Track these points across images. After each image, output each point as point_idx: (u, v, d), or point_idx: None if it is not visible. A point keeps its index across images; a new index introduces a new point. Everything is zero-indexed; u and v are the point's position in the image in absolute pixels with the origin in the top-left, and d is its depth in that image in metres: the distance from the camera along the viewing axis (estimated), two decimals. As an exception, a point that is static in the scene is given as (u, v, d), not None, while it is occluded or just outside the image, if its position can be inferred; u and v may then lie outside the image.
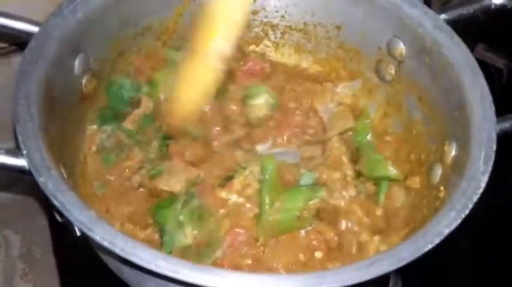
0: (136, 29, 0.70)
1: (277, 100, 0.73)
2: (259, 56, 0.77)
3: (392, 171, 0.66)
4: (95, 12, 0.63)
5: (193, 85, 0.65)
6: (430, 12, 0.67)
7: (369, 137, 0.72)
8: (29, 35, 0.59)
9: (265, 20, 0.77)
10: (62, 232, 0.58)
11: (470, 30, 0.73)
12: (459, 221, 0.48)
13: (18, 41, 0.64)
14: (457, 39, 0.65)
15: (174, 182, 0.62)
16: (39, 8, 0.76)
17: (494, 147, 0.54)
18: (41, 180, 0.46)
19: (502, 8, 0.68)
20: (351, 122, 0.72)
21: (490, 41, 0.91)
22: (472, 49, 0.89)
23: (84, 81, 0.64)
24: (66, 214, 0.45)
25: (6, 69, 0.86)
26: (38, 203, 0.86)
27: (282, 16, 0.77)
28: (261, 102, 0.72)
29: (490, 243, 0.77)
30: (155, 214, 0.61)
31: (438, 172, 0.61)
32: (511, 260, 0.75)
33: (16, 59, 0.86)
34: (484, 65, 0.89)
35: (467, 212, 0.48)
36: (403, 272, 0.54)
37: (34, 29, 0.60)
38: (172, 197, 0.62)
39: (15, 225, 0.88)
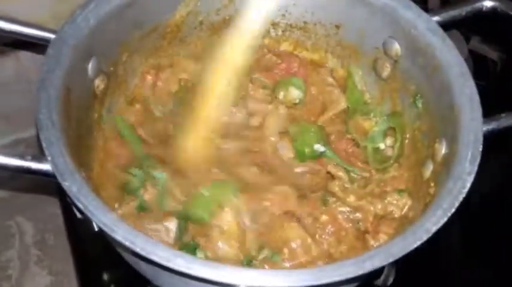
0: (143, 31, 0.72)
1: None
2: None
3: None
4: (105, 18, 0.65)
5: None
6: (424, 14, 0.69)
7: None
8: (45, 41, 0.62)
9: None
10: (75, 219, 0.61)
11: (465, 25, 0.76)
12: (445, 219, 0.52)
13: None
14: (448, 41, 0.67)
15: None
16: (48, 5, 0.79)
17: (480, 148, 0.58)
18: (65, 184, 0.50)
19: (493, 11, 0.71)
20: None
21: (484, 35, 0.94)
22: (467, 41, 0.93)
23: (96, 83, 0.67)
24: (90, 215, 0.49)
25: (15, 64, 0.89)
26: (49, 191, 0.89)
27: (283, 15, 0.79)
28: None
29: (479, 229, 0.81)
30: None
31: (429, 167, 0.65)
32: (499, 241, 0.79)
33: (24, 54, 0.89)
34: (479, 56, 0.94)
35: (453, 210, 0.52)
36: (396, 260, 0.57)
37: (48, 35, 0.63)
38: None
39: (28, 213, 0.91)
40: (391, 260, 0.48)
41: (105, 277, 0.76)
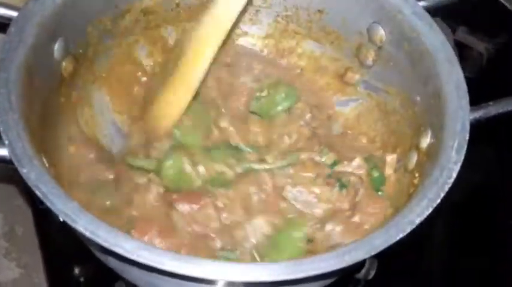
0: (116, 11, 0.69)
1: None
2: None
3: None
4: (74, -5, 0.62)
5: None
6: (410, -2, 0.67)
7: None
8: (7, 19, 0.58)
9: (246, 2, 0.77)
10: (43, 211, 0.59)
11: (451, 15, 0.73)
12: (431, 209, 0.49)
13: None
14: (435, 27, 0.65)
15: None
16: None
17: (467, 136, 0.56)
18: (23, 171, 0.46)
19: (480, -3, 0.70)
20: None
21: (471, 25, 0.92)
22: (453, 32, 0.92)
23: (63, 65, 0.63)
24: (49, 204, 0.45)
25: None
26: (19, 182, 0.87)
27: (264, -1, 0.77)
28: None
29: (463, 221, 0.79)
30: None
31: (414, 158, 0.63)
32: (483, 233, 0.78)
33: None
34: (465, 47, 0.92)
35: (438, 201, 0.50)
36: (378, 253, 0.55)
37: (13, 13, 0.59)
38: None
39: (-4, 204, 0.89)
40: (373, 253, 0.46)
41: (75, 270, 0.73)
